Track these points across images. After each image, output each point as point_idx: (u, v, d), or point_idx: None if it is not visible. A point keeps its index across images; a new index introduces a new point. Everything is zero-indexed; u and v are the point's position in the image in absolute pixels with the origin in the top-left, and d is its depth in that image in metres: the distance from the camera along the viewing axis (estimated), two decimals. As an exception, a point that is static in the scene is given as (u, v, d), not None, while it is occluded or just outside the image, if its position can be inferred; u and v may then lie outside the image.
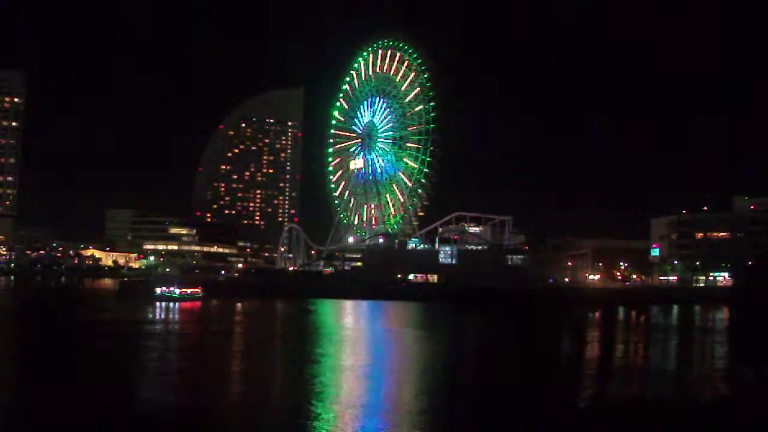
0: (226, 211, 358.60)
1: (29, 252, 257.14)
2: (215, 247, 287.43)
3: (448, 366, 53.17)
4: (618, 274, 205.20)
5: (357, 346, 66.61)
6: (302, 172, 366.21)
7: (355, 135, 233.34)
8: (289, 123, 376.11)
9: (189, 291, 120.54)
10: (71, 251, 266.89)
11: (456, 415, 35.64)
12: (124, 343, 61.54)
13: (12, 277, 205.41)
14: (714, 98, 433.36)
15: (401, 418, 34.00)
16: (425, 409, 36.21)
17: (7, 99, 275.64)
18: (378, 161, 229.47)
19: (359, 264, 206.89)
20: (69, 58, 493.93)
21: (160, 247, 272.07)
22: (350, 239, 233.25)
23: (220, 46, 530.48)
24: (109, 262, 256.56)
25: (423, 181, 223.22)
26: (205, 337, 70.52)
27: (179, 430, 31.71)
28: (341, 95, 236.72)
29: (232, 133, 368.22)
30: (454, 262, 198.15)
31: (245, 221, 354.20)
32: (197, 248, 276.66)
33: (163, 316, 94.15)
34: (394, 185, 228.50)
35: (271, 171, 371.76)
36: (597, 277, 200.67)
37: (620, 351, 67.16)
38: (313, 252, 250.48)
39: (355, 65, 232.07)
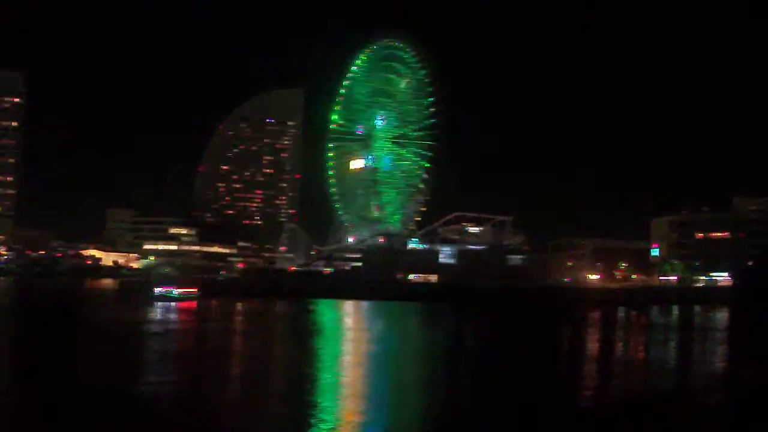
0: (226, 211, 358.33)
1: (29, 252, 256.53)
2: (215, 247, 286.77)
3: (447, 365, 53.02)
4: (618, 274, 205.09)
5: (356, 345, 66.46)
6: (302, 172, 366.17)
7: (354, 134, 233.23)
8: (289, 123, 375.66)
9: (187, 291, 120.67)
10: (71, 251, 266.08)
11: (454, 414, 35.46)
12: (119, 342, 61.44)
13: (12, 278, 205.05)
14: (714, 98, 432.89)
15: (398, 412, 33.91)
16: (423, 406, 36.09)
17: (7, 99, 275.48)
18: (378, 160, 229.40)
19: (359, 264, 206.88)
20: (69, 58, 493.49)
21: (160, 247, 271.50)
22: (350, 239, 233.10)
23: (220, 46, 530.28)
24: (109, 262, 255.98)
25: (424, 176, 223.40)
26: (200, 337, 70.32)
27: (174, 429, 31.63)
28: (341, 95, 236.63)
29: (232, 133, 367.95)
30: (454, 262, 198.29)
31: (245, 221, 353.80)
32: (197, 248, 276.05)
33: (160, 316, 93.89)
34: (394, 184, 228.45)
35: (271, 171, 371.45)
36: (597, 277, 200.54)
37: (620, 350, 66.97)
38: (313, 252, 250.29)
39: (355, 65, 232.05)
